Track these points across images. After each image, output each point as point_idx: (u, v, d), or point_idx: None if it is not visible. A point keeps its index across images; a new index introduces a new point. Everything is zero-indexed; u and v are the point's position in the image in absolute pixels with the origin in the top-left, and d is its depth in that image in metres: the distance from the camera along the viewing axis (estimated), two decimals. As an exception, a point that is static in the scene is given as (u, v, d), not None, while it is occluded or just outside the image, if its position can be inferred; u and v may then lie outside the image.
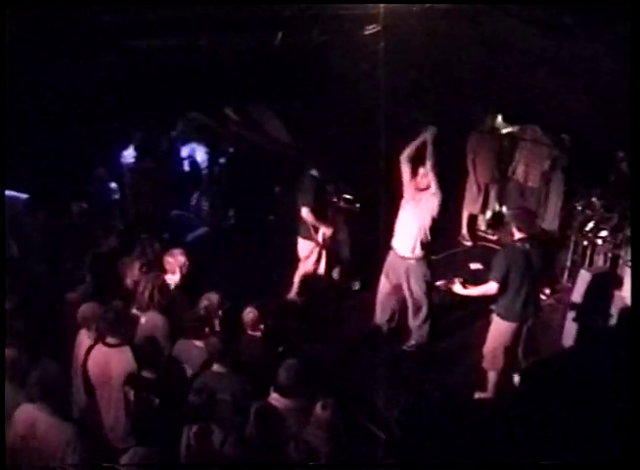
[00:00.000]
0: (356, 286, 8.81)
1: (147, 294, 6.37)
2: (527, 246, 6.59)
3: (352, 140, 6.85)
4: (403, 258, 7.42)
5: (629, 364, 4.52)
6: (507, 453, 5.61)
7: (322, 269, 8.40)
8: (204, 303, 6.29)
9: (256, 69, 6.35)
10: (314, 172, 8.08)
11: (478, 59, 6.06)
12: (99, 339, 5.71)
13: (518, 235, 6.65)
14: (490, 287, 6.58)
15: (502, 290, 6.56)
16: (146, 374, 5.41)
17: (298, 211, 8.03)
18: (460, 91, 6.66)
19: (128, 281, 6.81)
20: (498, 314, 6.76)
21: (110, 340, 5.62)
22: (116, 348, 5.58)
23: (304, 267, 8.36)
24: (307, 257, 8.32)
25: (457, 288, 6.76)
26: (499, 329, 6.77)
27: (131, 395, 5.38)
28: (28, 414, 4.82)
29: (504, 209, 10.23)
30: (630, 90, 4.96)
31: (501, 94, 6.33)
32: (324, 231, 8.19)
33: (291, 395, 5.19)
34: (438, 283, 7.12)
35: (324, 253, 8.33)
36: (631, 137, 4.89)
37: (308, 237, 8.23)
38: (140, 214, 8.97)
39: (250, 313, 6.09)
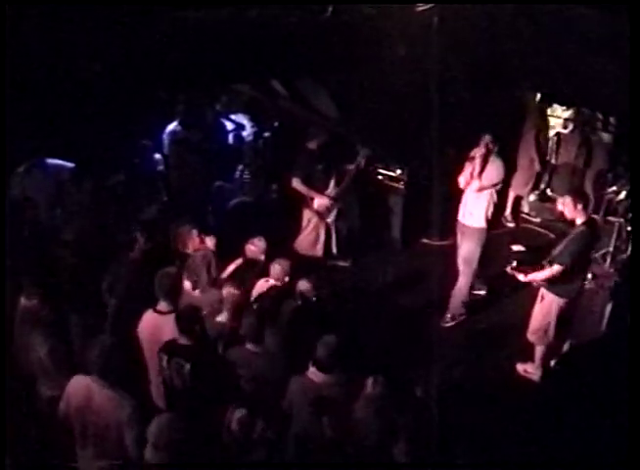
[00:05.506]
0: (347, 263, 8.77)
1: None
2: (589, 229, 6.62)
3: (402, 117, 6.74)
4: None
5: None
6: (542, 437, 5.59)
7: (321, 241, 8.50)
8: (250, 248, 6.39)
9: (306, 42, 6.31)
10: (311, 145, 8.15)
11: (530, 40, 5.95)
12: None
13: (577, 218, 6.63)
14: (556, 270, 6.60)
15: (568, 273, 6.61)
16: (182, 341, 5.33)
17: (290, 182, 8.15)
18: (513, 71, 6.55)
19: (184, 247, 6.90)
20: (555, 293, 6.78)
21: (161, 307, 5.67)
22: (167, 315, 5.58)
23: (302, 236, 8.51)
24: (306, 226, 8.49)
25: (521, 276, 6.82)
26: (553, 305, 6.82)
27: (164, 360, 5.31)
28: (84, 386, 4.74)
29: (548, 191, 10.15)
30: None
31: (554, 77, 6.21)
32: (320, 201, 8.28)
33: (329, 370, 5.22)
34: (508, 269, 7.04)
35: (322, 224, 8.44)
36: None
37: (306, 206, 8.40)
38: (183, 186, 9.01)
39: (306, 284, 6.25)
